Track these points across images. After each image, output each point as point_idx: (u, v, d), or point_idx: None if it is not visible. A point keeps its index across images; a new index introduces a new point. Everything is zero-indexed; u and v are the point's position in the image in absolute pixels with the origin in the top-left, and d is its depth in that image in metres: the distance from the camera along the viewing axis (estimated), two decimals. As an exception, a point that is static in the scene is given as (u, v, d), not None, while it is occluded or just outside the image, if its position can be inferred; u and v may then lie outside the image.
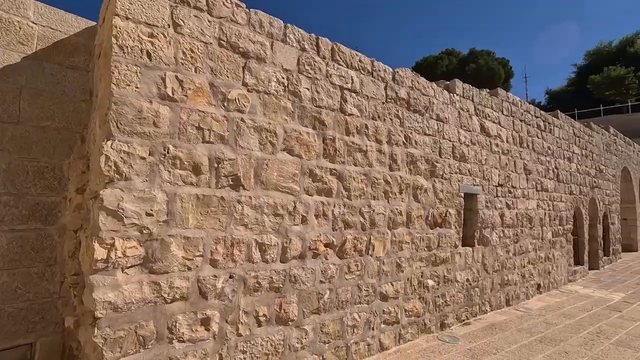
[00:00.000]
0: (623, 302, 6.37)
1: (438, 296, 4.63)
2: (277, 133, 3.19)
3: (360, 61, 3.95)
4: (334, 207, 3.57)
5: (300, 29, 3.45)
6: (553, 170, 7.69)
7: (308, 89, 3.44)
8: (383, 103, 4.15)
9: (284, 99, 3.26)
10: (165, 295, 2.50)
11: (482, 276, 5.43)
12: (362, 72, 3.97)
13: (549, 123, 7.76)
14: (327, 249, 3.48)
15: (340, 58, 3.77)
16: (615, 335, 4.65)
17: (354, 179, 3.75)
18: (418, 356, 3.85)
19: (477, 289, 5.30)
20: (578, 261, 8.77)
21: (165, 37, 2.61)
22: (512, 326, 4.93)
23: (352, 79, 3.85)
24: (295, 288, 3.21)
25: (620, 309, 5.93)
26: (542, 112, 7.61)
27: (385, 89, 4.20)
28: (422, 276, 4.43)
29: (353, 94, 3.84)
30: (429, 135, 4.69)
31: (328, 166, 3.55)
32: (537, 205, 6.96)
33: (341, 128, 3.70)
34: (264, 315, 3.00)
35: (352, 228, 3.71)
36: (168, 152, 2.57)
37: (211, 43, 2.84)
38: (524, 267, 6.41)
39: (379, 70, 4.16)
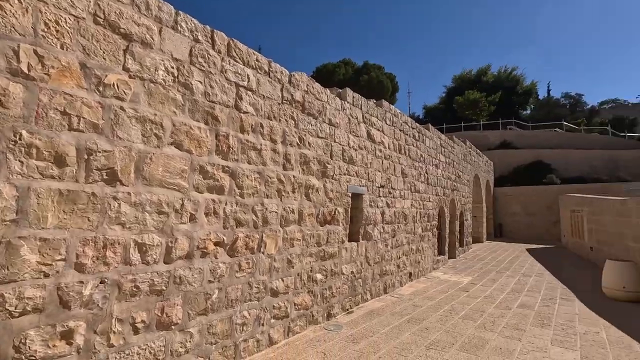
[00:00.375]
0: (470, 284, 7.82)
1: (325, 289, 4.96)
2: (164, 126, 2.99)
3: (257, 60, 3.98)
4: (226, 205, 3.51)
5: (193, 19, 3.30)
6: (424, 175, 8.97)
7: (201, 82, 3.31)
8: (279, 104, 4.26)
9: (173, 90, 3.07)
10: (12, 309, 2.11)
11: (365, 268, 6.02)
12: (259, 71, 4.00)
13: (422, 134, 9.04)
14: (217, 247, 3.40)
15: (237, 55, 3.73)
16: (463, 310, 5.69)
17: (247, 177, 3.75)
18: (305, 346, 4.06)
19: (360, 280, 5.85)
20: (441, 252, 10.42)
21: (21, 2, 2.20)
22: (387, 311, 5.59)
23: (249, 77, 3.84)
24: (180, 290, 3.05)
25: (468, 289, 7.28)
26: (417, 124, 8.81)
27: (282, 90, 4.32)
28: (311, 271, 4.69)
29: (249, 92, 3.84)
30: (322, 138, 4.99)
31: (221, 163, 3.47)
32: (411, 205, 8.04)
33: (236, 125, 3.66)
34: (143, 321, 2.77)
35: (244, 226, 3.71)
36: (20, 139, 2.17)
37: (84, 18, 2.50)
38: (399, 258, 7.32)
39: (276, 72, 4.25)
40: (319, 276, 4.83)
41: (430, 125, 9.90)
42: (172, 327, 2.99)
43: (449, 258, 11.04)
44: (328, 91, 5.32)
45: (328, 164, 5.09)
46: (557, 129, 28.59)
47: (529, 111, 38.32)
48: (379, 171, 6.60)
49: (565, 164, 21.92)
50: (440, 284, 7.73)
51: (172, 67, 3.08)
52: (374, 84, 35.67)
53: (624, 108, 47.62)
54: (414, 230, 8.19)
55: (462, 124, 30.71)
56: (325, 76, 36.46)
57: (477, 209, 16.73)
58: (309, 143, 4.71)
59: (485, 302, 6.23)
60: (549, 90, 46.89)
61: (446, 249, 10.78)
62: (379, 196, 6.60)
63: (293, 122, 4.47)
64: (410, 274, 7.86)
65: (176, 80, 3.11)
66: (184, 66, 3.18)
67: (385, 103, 7.08)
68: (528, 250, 14.11)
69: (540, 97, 41.82)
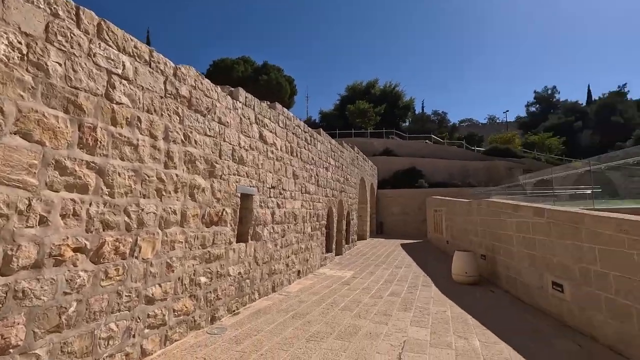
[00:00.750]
0: (352, 278, 8.56)
1: (210, 292, 4.82)
2: (6, 111, 2.50)
3: (135, 47, 3.64)
4: (91, 205, 3.11)
5: (52, -10, 2.84)
6: (315, 177, 9.46)
7: (60, 65, 2.87)
8: (162, 97, 3.97)
9: (20, 70, 2.59)
10: None
11: (253, 268, 6.04)
12: (138, 59, 3.67)
13: (314, 138, 9.51)
14: (77, 254, 2.99)
15: (110, 38, 3.35)
16: (343, 302, 6.21)
17: (119, 175, 3.40)
18: (184, 354, 3.88)
19: (248, 280, 5.85)
20: (329, 249, 11.12)
21: None
22: (274, 309, 5.73)
23: (124, 65, 3.49)
24: (23, 305, 2.59)
25: (349, 283, 7.96)
26: (309, 128, 9.24)
27: (165, 83, 4.04)
28: (194, 274, 4.49)
29: (124, 82, 3.49)
30: (210, 136, 4.84)
31: (84, 158, 3.07)
32: (302, 205, 8.39)
33: (106, 117, 3.28)
34: (-34, 348, 2.26)
35: (113, 229, 3.35)
36: None
37: None
38: (288, 257, 7.56)
39: (159, 62, 3.96)
40: (203, 279, 4.66)
41: (321, 130, 10.48)
42: (11, 350, 2.51)
43: (335, 255, 11.86)
44: (219, 89, 5.19)
45: (216, 163, 4.96)
46: (427, 141, 33.44)
47: (407, 123, 43.86)
48: (270, 172, 6.71)
49: (432, 171, 25.79)
50: (326, 280, 8.26)
51: (20, 43, 2.60)
52: (272, 85, 35.91)
53: (476, 127, 58.44)
54: (304, 229, 8.56)
55: (353, 131, 33.31)
56: (223, 71, 35.14)
57: (362, 209, 18.36)
58: (195, 141, 4.51)
59: (363, 293, 6.92)
60: (423, 107, 54.55)
61: (333, 246, 11.56)
62: (270, 197, 6.71)
63: (178, 117, 4.22)
64: (299, 271, 8.19)
65: (25, 58, 2.63)
66: (37, 43, 2.71)
67: (278, 106, 7.24)
68: (402, 245, 16.14)
69: (417, 112, 48.28)
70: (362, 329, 4.78)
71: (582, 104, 47.36)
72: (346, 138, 30.17)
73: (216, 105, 5.00)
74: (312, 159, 9.29)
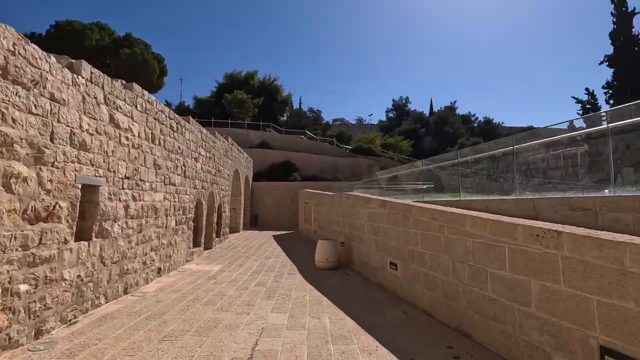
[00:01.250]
0: (220, 271, 8.39)
1: (35, 301, 4.02)
2: None
3: None
4: None
5: None
6: (181, 167, 8.85)
7: None
8: (-42, 59, 3.08)
9: None
10: None
11: (99, 269, 5.31)
12: None
13: (181, 126, 8.87)
14: None
15: None
16: (206, 297, 6.05)
17: None
18: (-9, 380, 3.16)
19: (91, 283, 5.11)
20: (197, 243, 10.60)
21: None
22: (124, 312, 5.17)
23: None
24: None
25: (216, 277, 7.79)
26: (175, 115, 8.57)
27: (-36, 41, 3.15)
28: (10, 282, 3.68)
29: None
30: (37, 115, 4.00)
31: None
32: (164, 198, 7.75)
33: None
34: None
35: None
36: None
37: None
38: (146, 254, 6.90)
39: (-46, 13, 3.06)
40: (24, 287, 3.85)
41: (191, 117, 9.85)
42: None
43: (205, 249, 11.40)
44: (52, 58, 4.32)
45: (46, 148, 4.14)
46: (302, 136, 35.06)
47: (285, 118, 44.96)
48: (124, 161, 5.98)
49: (306, 165, 27.23)
50: (191, 275, 7.87)
51: None
52: (138, 61, 31.71)
53: (346, 126, 64.14)
54: (166, 224, 7.94)
55: (230, 121, 32.33)
56: (70, 37, 29.16)
57: (236, 201, 18.09)
58: (13, 119, 3.66)
59: (229, 286, 6.88)
60: (300, 103, 56.81)
61: (202, 240, 11.08)
62: (124, 188, 5.98)
63: (-15, 88, 3.35)
64: (160, 269, 7.58)
65: None
66: None
67: (136, 87, 6.47)
68: (274, 236, 16.60)
69: (294, 108, 49.94)
70: (223, 322, 4.77)
71: (426, 114, 57.21)
72: (223, 128, 29.07)
73: (47, 78, 4.16)
74: (179, 148, 8.66)
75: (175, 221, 8.52)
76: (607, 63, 25.40)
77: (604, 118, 5.35)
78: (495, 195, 6.57)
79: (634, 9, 24.84)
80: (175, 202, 8.43)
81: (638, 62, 24.05)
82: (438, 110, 56.67)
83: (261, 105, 36.94)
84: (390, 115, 58.10)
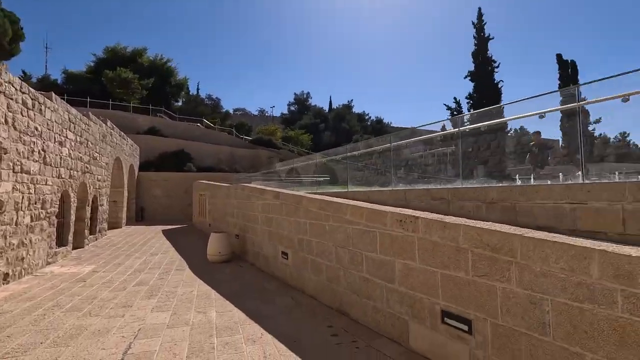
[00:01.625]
0: (92, 273, 7.36)
1: None
2: None
3: None
4: None
5: None
6: (40, 153, 7.42)
7: None
8: None
9: None
10: None
11: None
12: None
13: (40, 103, 7.42)
14: None
15: None
16: (70, 303, 5.24)
17: None
18: None
19: None
20: (62, 242, 9.07)
21: None
22: (-51, 331, 4.13)
23: None
24: None
25: (86, 279, 6.80)
26: (31, 89, 7.12)
27: None
28: None
29: None
30: None
31: None
32: (14, 188, 6.40)
33: None
34: None
35: None
36: None
37: None
38: (-15, 258, 5.62)
39: None
40: None
41: (54, 94, 8.31)
42: None
43: (74, 248, 9.84)
44: None
45: None
46: (199, 124, 32.93)
47: (180, 103, 41.47)
48: (-50, 141, 4.72)
49: (202, 155, 25.72)
50: (53, 279, 6.72)
51: None
52: (-19, 19, 25.11)
53: (248, 117, 62.57)
54: (17, 220, 6.58)
55: (111, 102, 28.39)
56: None
57: (117, 193, 16.06)
58: None
59: (102, 288, 6.10)
60: (198, 89, 53.20)
61: (70, 238, 9.54)
62: (-52, 176, 4.72)
63: None
64: (6, 274, 6.26)
65: None
66: None
67: (-31, 49, 5.14)
68: (163, 231, 15.31)
69: (191, 93, 46.47)
70: (90, 328, 4.21)
71: (326, 110, 59.77)
72: (102, 110, 25.31)
73: None
74: (36, 129, 7.24)
75: (31, 217, 7.13)
76: (469, 77, 30.40)
77: (467, 121, 6.44)
78: (377, 187, 7.29)
79: (489, 35, 30.27)
80: (30, 193, 7.04)
81: (490, 78, 29.50)
82: (337, 107, 59.74)
83: (151, 87, 33.23)
84: (292, 108, 58.91)
